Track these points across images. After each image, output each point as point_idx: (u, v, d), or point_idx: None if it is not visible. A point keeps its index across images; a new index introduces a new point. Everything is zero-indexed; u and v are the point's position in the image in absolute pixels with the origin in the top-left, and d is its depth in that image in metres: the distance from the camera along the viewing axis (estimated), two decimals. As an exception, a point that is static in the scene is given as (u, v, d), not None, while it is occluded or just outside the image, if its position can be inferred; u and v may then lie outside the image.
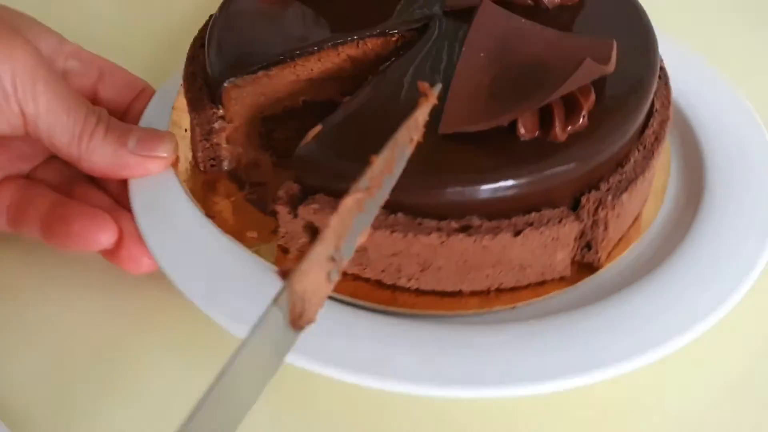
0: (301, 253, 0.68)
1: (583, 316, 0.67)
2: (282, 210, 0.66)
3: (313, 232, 0.66)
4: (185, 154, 0.76)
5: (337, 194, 0.63)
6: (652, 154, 0.70)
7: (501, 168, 0.64)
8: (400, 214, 0.64)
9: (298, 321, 0.49)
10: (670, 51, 0.79)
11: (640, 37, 0.74)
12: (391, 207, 0.64)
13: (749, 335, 0.73)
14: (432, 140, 0.65)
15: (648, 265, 0.71)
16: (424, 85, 0.62)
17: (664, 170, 0.78)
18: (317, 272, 0.50)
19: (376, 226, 0.64)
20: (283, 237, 0.68)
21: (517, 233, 0.64)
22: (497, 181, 0.63)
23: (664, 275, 0.69)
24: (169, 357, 0.71)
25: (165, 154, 0.73)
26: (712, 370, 0.71)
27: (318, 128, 0.67)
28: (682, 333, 0.64)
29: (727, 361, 0.72)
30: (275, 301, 0.46)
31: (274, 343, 0.47)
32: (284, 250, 0.69)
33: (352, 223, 0.53)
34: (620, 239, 0.72)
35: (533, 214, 0.65)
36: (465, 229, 0.64)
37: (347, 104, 0.69)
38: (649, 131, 0.71)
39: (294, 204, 0.66)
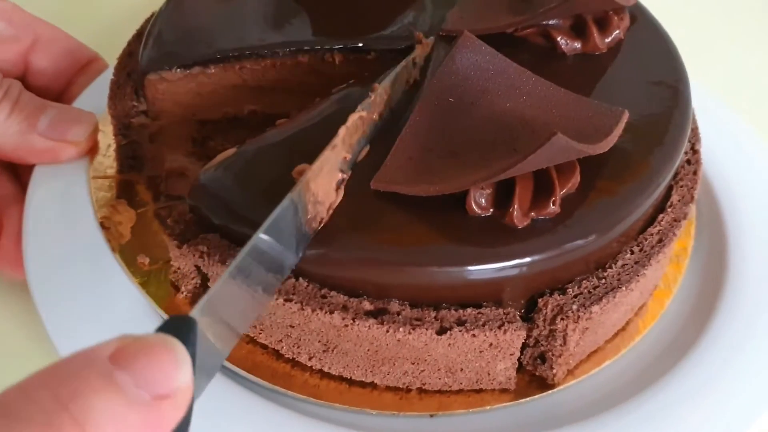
0: (194, 296, 0.56)
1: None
2: (170, 242, 0.54)
3: (204, 278, 0.54)
4: (109, 143, 0.64)
5: (234, 238, 0.51)
6: (649, 260, 0.55)
7: (436, 246, 0.50)
8: (302, 280, 0.51)
9: (310, 223, 0.50)
10: (715, 120, 0.64)
11: (670, 112, 0.59)
12: (295, 270, 0.51)
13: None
14: (362, 196, 0.51)
15: (625, 390, 0.57)
16: (419, 35, 0.62)
17: (677, 266, 0.63)
18: (328, 177, 0.51)
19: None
20: (174, 272, 0.56)
21: (443, 331, 0.50)
22: (427, 262, 0.50)
23: (638, 410, 0.55)
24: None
25: (79, 139, 0.61)
26: None
27: (231, 152, 0.54)
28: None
29: None
30: (291, 192, 0.47)
31: (289, 234, 0.48)
32: (176, 288, 0.56)
33: (356, 140, 0.54)
34: (593, 353, 0.58)
35: (469, 311, 0.51)
36: (378, 314, 0.50)
37: (278, 129, 0.56)
38: (652, 230, 0.56)
39: (185, 238, 0.53)
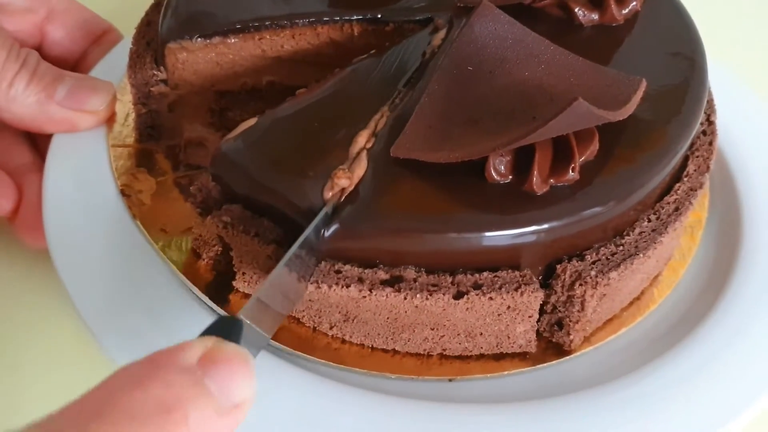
0: (215, 263, 0.56)
1: (535, 411, 0.53)
2: (193, 210, 0.54)
3: (226, 246, 0.54)
4: (127, 113, 0.65)
5: (257, 209, 0.52)
6: (666, 228, 0.55)
7: (455, 213, 0.51)
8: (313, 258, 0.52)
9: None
10: (731, 93, 0.65)
11: (687, 82, 0.59)
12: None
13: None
14: (381, 164, 0.52)
15: (638, 359, 0.58)
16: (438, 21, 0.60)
17: (692, 237, 0.63)
18: None
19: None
20: (195, 240, 0.57)
21: (459, 295, 0.51)
22: (446, 229, 0.51)
23: (654, 376, 0.56)
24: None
25: (97, 108, 0.62)
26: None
27: (251, 122, 0.55)
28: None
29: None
30: (326, 206, 0.50)
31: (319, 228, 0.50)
32: (197, 255, 0.57)
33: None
34: (609, 321, 0.58)
35: (485, 275, 0.52)
36: (394, 282, 0.51)
37: (297, 99, 0.56)
38: (669, 198, 0.57)
39: (207, 207, 0.54)
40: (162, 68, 0.62)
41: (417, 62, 0.59)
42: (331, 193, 0.51)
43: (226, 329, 0.42)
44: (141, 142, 0.64)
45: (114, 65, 0.68)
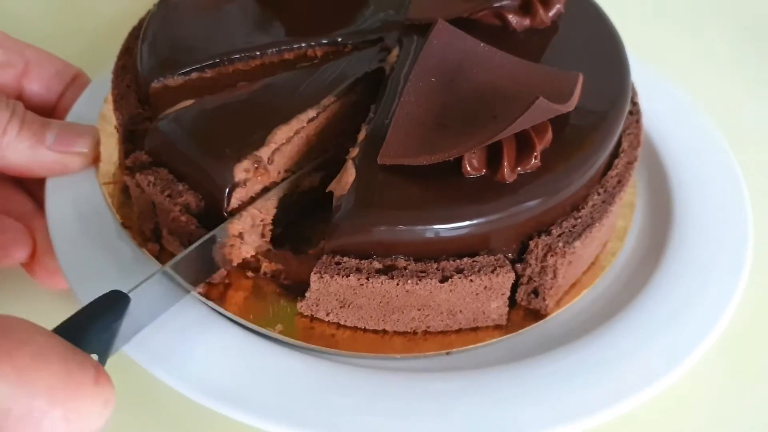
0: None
1: (517, 370, 0.61)
2: (128, 179, 0.63)
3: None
4: (109, 153, 0.69)
5: (179, 175, 0.61)
6: (613, 198, 0.64)
7: (438, 208, 0.58)
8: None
9: None
10: (647, 81, 0.73)
11: (613, 70, 0.68)
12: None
13: (709, 398, 0.68)
14: (369, 171, 0.59)
15: (601, 314, 0.66)
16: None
17: (628, 210, 0.72)
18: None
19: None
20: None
21: (444, 279, 0.58)
22: (432, 221, 0.58)
23: (617, 327, 0.64)
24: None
25: (84, 150, 0.67)
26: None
27: (188, 102, 0.63)
28: (630, 394, 0.59)
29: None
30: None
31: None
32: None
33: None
34: (573, 285, 0.66)
35: (465, 260, 0.59)
36: (387, 271, 0.58)
37: (236, 90, 0.67)
38: (612, 173, 0.66)
39: (139, 169, 0.63)
40: (146, 106, 0.67)
41: (354, 75, 0.67)
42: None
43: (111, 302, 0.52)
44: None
45: (86, 108, 0.73)
